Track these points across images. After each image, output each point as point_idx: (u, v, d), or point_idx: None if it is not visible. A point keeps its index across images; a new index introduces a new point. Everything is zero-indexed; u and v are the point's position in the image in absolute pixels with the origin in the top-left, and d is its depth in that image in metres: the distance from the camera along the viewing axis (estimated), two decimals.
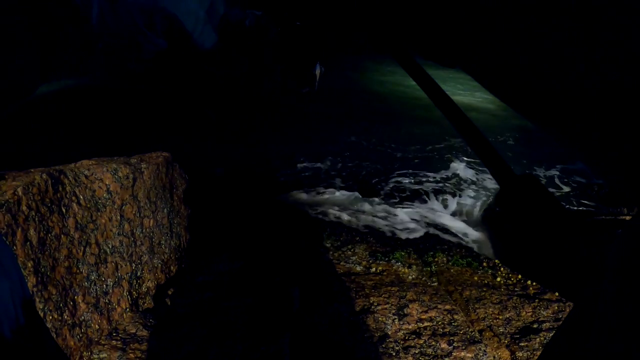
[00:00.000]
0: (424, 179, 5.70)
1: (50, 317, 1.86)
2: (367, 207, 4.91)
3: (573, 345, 0.57)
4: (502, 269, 3.15)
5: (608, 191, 5.55)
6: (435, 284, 2.90)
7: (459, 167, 6.09)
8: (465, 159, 6.29)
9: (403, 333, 2.36)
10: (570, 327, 0.60)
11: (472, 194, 5.40)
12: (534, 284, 2.95)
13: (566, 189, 5.84)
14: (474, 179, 5.82)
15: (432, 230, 4.38)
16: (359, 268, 3.03)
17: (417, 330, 2.39)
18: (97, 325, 2.07)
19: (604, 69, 0.44)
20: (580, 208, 5.29)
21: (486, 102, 9.42)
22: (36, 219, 1.86)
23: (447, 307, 2.58)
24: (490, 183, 5.72)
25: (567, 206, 5.31)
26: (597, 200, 5.50)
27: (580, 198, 5.58)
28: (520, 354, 2.29)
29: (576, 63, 0.45)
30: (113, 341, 2.08)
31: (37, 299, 1.82)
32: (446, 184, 5.61)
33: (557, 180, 5.97)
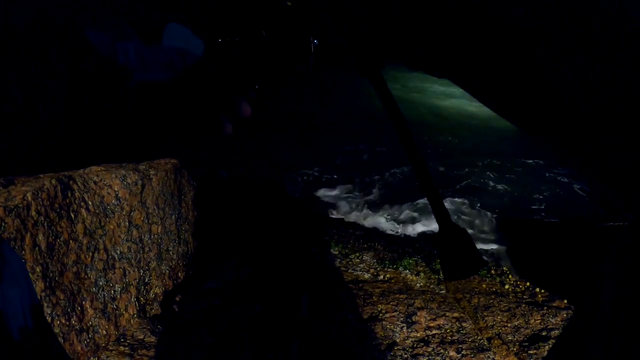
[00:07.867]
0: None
1: (58, 322, 1.86)
2: (374, 215, 4.90)
3: (573, 352, 0.57)
4: (510, 276, 3.13)
5: (606, 199, 5.55)
6: (444, 291, 2.88)
7: (467, 175, 6.08)
8: (474, 169, 6.27)
9: (411, 341, 2.34)
10: (570, 333, 0.60)
11: (481, 201, 5.38)
12: (543, 291, 2.92)
13: (562, 192, 5.81)
14: (483, 187, 5.81)
15: None
16: (366, 275, 3.01)
17: (426, 338, 2.37)
18: (104, 331, 2.07)
19: (593, 77, 0.44)
20: (580, 215, 5.26)
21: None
22: (45, 224, 1.87)
23: (456, 314, 2.56)
24: (500, 191, 5.70)
25: (562, 214, 5.29)
26: (596, 207, 5.47)
27: (579, 205, 5.55)
28: None
29: (563, 71, 0.46)
30: (121, 347, 2.07)
31: (45, 304, 1.82)
32: (454, 193, 5.60)
33: (558, 189, 5.94)
